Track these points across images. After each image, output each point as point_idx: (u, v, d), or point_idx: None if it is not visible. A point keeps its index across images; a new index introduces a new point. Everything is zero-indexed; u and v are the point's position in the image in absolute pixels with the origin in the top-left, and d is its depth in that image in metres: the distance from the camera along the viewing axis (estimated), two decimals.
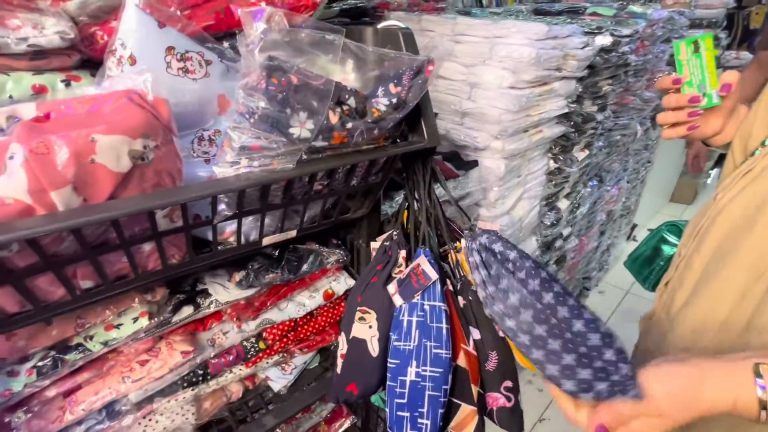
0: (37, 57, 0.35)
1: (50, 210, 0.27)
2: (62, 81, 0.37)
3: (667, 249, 0.75)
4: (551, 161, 1.13)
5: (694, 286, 0.52)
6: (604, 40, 0.99)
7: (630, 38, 1.11)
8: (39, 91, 0.36)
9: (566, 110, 1.00)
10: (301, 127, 0.32)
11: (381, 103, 0.37)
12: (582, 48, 0.93)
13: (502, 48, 0.83)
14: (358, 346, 0.49)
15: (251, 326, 0.60)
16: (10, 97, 0.34)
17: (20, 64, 0.35)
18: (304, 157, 0.35)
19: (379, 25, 0.46)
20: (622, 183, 1.83)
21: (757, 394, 0.34)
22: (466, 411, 0.51)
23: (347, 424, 0.87)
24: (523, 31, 0.82)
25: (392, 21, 0.46)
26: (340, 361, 0.50)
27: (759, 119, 0.50)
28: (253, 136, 0.31)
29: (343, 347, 0.50)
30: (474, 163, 0.86)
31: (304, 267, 0.61)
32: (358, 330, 0.49)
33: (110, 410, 0.50)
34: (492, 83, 0.85)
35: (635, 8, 1.21)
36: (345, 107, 0.35)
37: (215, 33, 0.41)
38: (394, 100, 0.38)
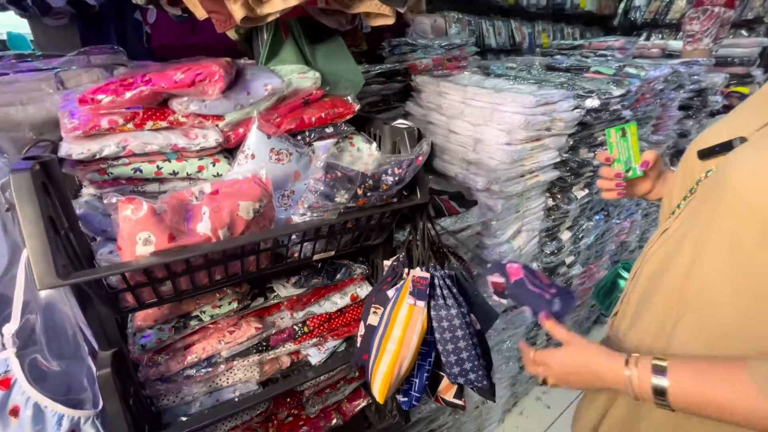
0: (201, 150, 0.64)
1: (217, 239, 0.54)
2: (210, 162, 0.66)
3: (621, 283, 0.92)
4: (549, 199, 1.33)
5: (631, 319, 0.65)
6: (592, 103, 1.19)
7: (622, 98, 1.30)
8: (200, 169, 0.64)
9: (559, 159, 1.21)
10: (341, 198, 0.58)
11: (389, 179, 0.63)
12: (571, 110, 1.15)
13: (499, 114, 1.07)
14: (371, 330, 0.73)
15: (299, 315, 0.86)
16: (187, 173, 0.63)
17: (191, 154, 0.64)
18: (342, 211, 0.62)
19: (392, 123, 0.72)
20: (635, 216, 1.96)
21: (624, 373, 0.53)
22: (447, 380, 0.74)
23: (364, 403, 1.11)
24: (517, 101, 1.05)
25: (401, 121, 0.72)
26: (359, 340, 0.75)
27: (677, 184, 0.69)
28: (315, 202, 0.58)
29: (362, 330, 0.75)
30: (474, 203, 1.09)
31: (338, 276, 0.88)
32: (372, 319, 0.74)
33: (210, 360, 0.78)
34: (491, 140, 1.09)
35: (631, 69, 1.40)
36: (366, 184, 0.60)
37: (294, 131, 0.69)
38: (397, 178, 0.63)
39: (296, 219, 0.60)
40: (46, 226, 0.43)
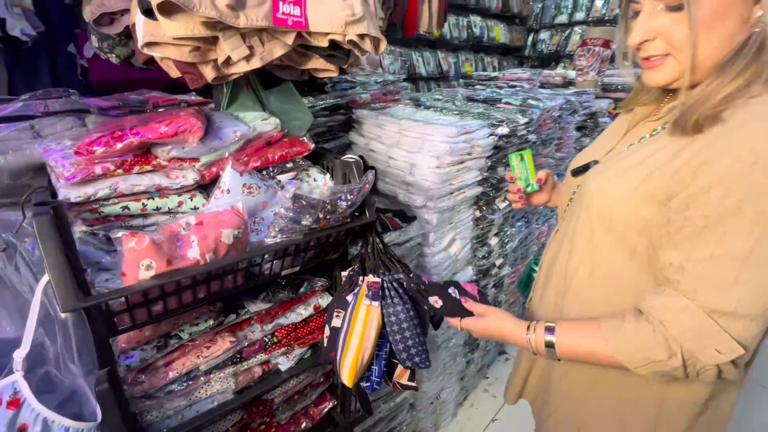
0: (181, 188, 0.75)
1: (205, 262, 0.66)
2: (189, 197, 0.76)
3: (534, 276, 1.16)
4: (476, 211, 1.56)
5: (538, 300, 0.86)
6: (503, 130, 1.45)
7: (527, 124, 1.59)
8: (180, 204, 0.75)
9: (480, 177, 1.45)
10: (306, 221, 0.72)
11: (343, 204, 0.78)
12: (487, 137, 1.39)
13: (429, 143, 1.28)
14: (335, 330, 0.87)
15: (269, 327, 0.97)
16: (169, 208, 0.74)
17: (172, 192, 0.75)
18: (306, 232, 0.76)
19: (342, 158, 0.88)
20: (552, 221, 2.29)
21: (526, 336, 0.72)
22: (401, 367, 0.89)
23: (330, 405, 1.22)
24: (442, 132, 1.27)
25: (349, 155, 0.88)
26: (326, 341, 0.88)
27: (563, 194, 0.91)
28: (285, 225, 0.72)
29: (327, 332, 0.89)
30: (413, 218, 1.28)
31: (302, 289, 1.00)
32: (335, 322, 0.87)
33: (189, 375, 0.86)
34: (424, 165, 1.29)
35: (532, 101, 1.71)
36: (325, 209, 0.75)
37: (260, 168, 0.82)
38: (350, 203, 0.79)
39: (269, 241, 0.73)
40: (64, 259, 0.53)
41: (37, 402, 0.57)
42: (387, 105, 1.74)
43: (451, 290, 0.79)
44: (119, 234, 0.57)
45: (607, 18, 4.33)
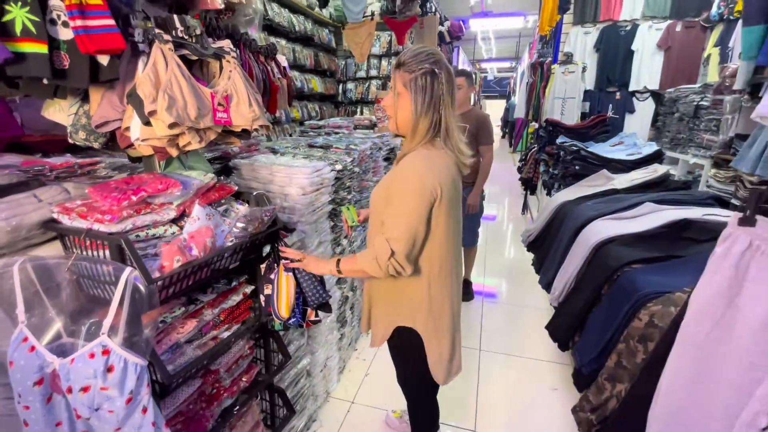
0: (165, 222, 1.23)
1: (202, 256, 1.18)
2: (168, 227, 1.24)
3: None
4: (330, 221, 2.30)
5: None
6: (338, 167, 2.25)
7: (352, 162, 2.44)
8: (165, 231, 1.22)
9: (330, 198, 2.20)
10: (251, 228, 1.30)
11: (266, 218, 1.39)
12: (330, 173, 2.16)
13: (295, 179, 1.95)
14: (268, 297, 1.43)
15: (216, 311, 1.44)
16: (159, 234, 1.20)
17: (159, 224, 1.21)
18: (249, 236, 1.33)
19: (254, 193, 1.48)
20: None
21: (329, 267, 1.44)
22: (309, 309, 1.52)
23: (257, 370, 1.71)
24: (303, 172, 1.96)
25: (260, 191, 1.49)
26: (263, 304, 1.44)
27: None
28: (239, 232, 1.28)
29: (262, 300, 1.44)
30: (294, 229, 1.92)
31: (234, 282, 1.51)
32: (266, 291, 1.44)
33: (172, 348, 1.26)
34: (294, 194, 1.95)
35: (353, 146, 2.59)
36: (260, 221, 1.35)
37: (210, 203, 1.35)
38: (268, 217, 1.40)
39: (228, 244, 1.28)
40: (141, 263, 1.00)
41: (119, 348, 1.01)
42: (252, 153, 2.32)
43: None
44: (159, 244, 1.07)
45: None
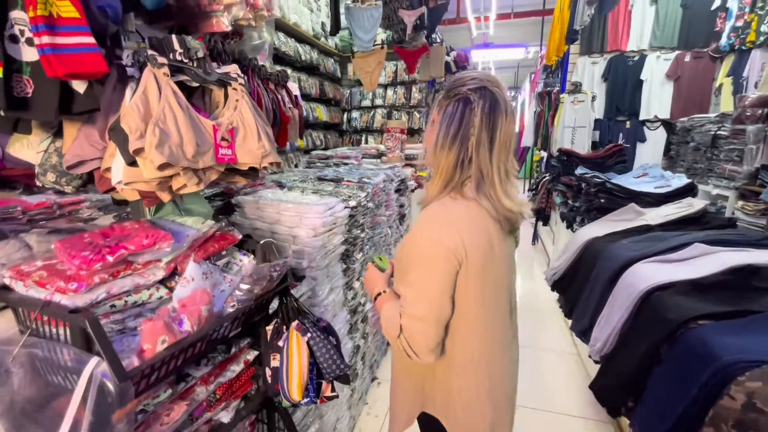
0: (152, 284, 0.98)
1: (194, 331, 0.92)
2: (155, 290, 0.99)
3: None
4: (343, 264, 2.05)
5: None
6: (352, 203, 2.02)
7: (366, 197, 2.22)
8: (150, 296, 0.97)
9: (344, 238, 1.96)
10: (257, 288, 1.06)
11: (275, 274, 1.14)
12: (343, 210, 1.93)
13: (306, 219, 1.72)
14: (275, 370, 1.17)
15: (211, 387, 1.17)
16: (143, 301, 0.95)
17: (143, 287, 0.97)
18: (254, 298, 1.08)
19: (261, 242, 1.24)
20: None
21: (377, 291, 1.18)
22: (325, 383, 1.25)
23: None
24: (314, 211, 1.73)
25: (268, 239, 1.25)
26: (269, 379, 1.17)
27: None
28: (242, 295, 1.03)
29: (269, 373, 1.17)
30: (303, 277, 1.67)
31: (233, 349, 1.25)
32: (273, 363, 1.18)
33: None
34: (304, 236, 1.71)
35: (365, 179, 2.38)
36: (268, 279, 1.10)
37: (208, 256, 1.11)
38: (278, 273, 1.15)
39: (229, 310, 1.03)
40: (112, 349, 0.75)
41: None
42: (256, 188, 2.10)
43: None
44: (140, 320, 0.82)
45: (396, 105, 5.78)
